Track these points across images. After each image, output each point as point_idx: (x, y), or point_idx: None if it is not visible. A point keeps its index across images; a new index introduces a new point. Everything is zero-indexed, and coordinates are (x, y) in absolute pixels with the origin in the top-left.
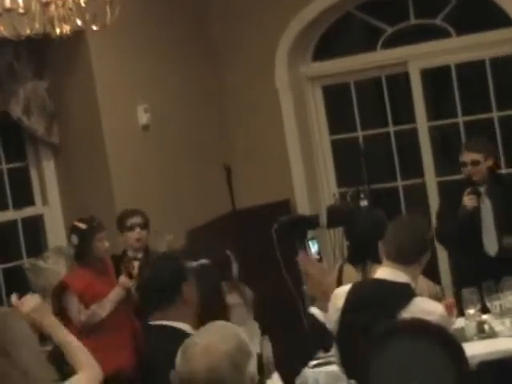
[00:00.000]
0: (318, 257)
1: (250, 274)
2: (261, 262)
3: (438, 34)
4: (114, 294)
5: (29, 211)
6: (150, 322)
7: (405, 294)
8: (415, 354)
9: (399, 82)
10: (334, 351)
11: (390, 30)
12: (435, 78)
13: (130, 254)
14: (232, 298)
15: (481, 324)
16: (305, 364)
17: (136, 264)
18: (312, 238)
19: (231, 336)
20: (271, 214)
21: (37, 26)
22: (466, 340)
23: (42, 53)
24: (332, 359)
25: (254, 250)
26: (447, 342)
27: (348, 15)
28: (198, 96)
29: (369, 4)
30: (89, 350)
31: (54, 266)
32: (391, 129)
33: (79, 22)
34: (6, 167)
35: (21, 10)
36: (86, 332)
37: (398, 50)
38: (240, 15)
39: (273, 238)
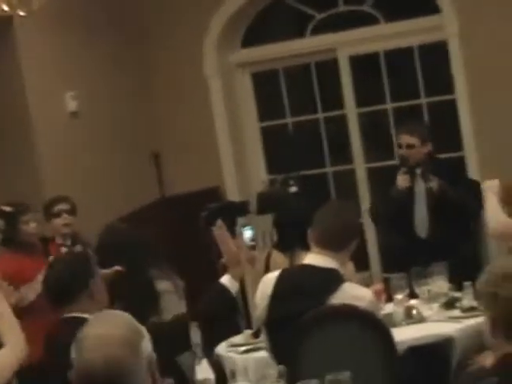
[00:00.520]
0: (251, 243)
1: (179, 262)
2: (190, 249)
3: (366, 20)
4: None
5: None
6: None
7: (333, 279)
8: (344, 339)
9: (328, 68)
10: (263, 337)
11: (318, 17)
12: (364, 65)
13: (59, 241)
14: (162, 285)
15: (409, 309)
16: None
17: (64, 251)
18: (246, 225)
19: (120, 320)
20: (200, 201)
21: None
22: (394, 325)
23: None
24: (261, 345)
25: (183, 237)
26: (376, 328)
27: (277, 1)
28: (127, 83)
29: None
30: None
31: None
32: (320, 115)
33: (5, 7)
34: None
35: None
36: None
37: (326, 37)
38: (169, 1)
39: (201, 226)
